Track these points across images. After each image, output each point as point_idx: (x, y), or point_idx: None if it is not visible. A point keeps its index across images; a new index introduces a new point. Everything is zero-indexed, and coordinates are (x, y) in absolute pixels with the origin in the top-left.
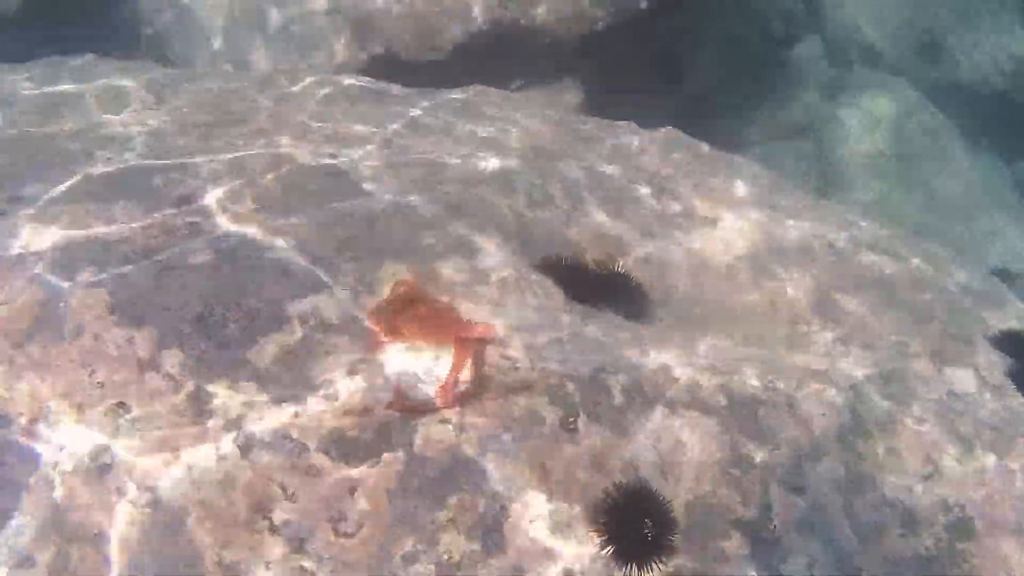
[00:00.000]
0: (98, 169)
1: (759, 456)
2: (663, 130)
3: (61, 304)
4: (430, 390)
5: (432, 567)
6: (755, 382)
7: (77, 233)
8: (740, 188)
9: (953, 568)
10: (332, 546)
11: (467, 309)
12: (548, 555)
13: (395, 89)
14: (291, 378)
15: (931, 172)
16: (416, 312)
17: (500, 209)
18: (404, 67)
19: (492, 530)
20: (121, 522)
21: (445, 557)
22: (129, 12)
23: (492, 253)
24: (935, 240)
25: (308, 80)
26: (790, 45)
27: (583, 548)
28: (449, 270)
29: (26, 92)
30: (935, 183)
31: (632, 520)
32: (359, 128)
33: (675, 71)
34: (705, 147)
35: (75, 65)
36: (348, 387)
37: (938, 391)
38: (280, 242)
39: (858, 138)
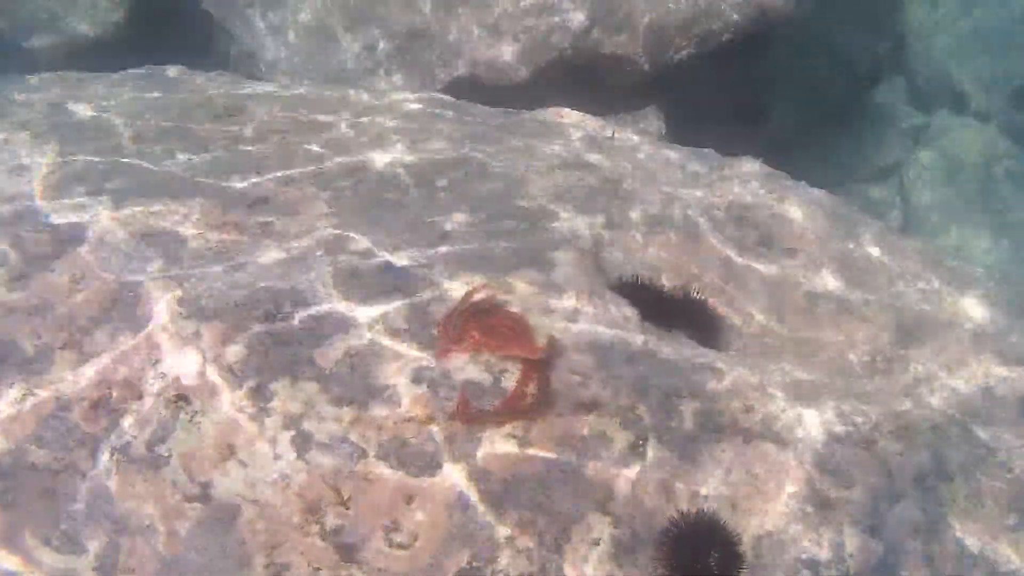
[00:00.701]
0: (177, 169)
1: (834, 494)
2: (744, 159)
3: (131, 294)
4: (496, 402)
5: None
6: (833, 416)
7: (154, 225)
8: (820, 218)
9: None
10: (384, 556)
11: (540, 323)
12: None
13: (478, 108)
14: (354, 381)
15: (1017, 219)
16: (487, 323)
17: (579, 228)
18: (485, 90)
19: (553, 551)
20: (172, 516)
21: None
22: (221, 33)
23: (568, 269)
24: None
25: (394, 97)
26: (875, 86)
27: None
28: (523, 283)
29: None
30: (1021, 231)
31: (698, 551)
32: (438, 144)
33: (756, 111)
34: (786, 177)
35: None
36: (412, 393)
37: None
38: (354, 244)
39: (942, 182)
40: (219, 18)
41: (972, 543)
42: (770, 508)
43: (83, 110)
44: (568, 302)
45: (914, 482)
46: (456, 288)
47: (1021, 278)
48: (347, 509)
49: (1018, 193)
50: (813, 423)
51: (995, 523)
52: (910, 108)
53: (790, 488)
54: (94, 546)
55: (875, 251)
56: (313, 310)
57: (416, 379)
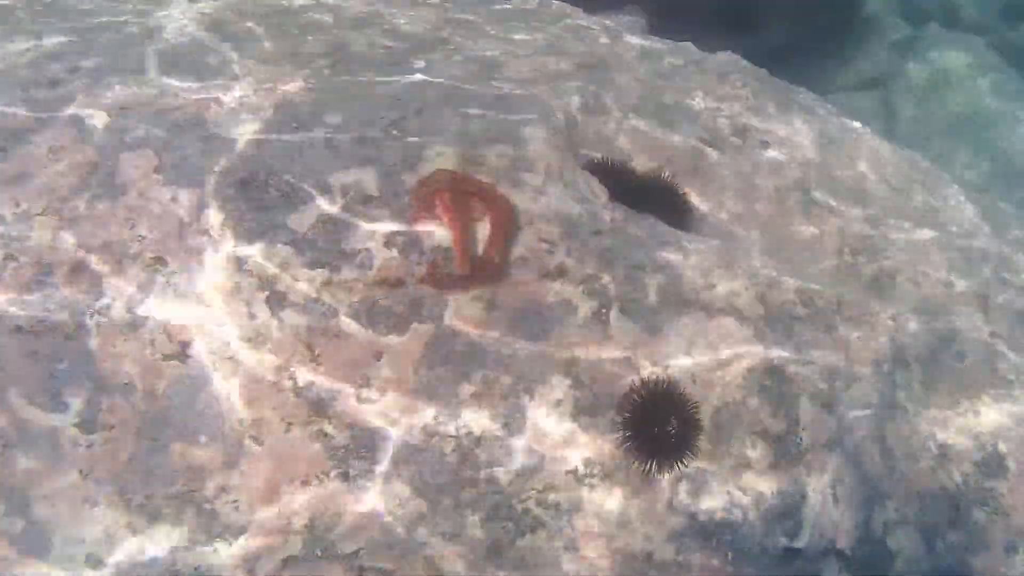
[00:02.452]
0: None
1: (792, 369)
2: (722, 53)
3: (109, 162)
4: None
5: (452, 440)
6: (794, 296)
7: (130, 98)
8: (797, 118)
9: (981, 505)
10: (354, 411)
11: (510, 194)
12: (568, 442)
13: None
14: (327, 245)
15: (1000, 134)
16: (459, 190)
17: (553, 109)
18: None
19: (514, 411)
20: (149, 373)
21: (464, 432)
22: None
23: (539, 146)
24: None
25: None
26: None
27: (604, 438)
28: (494, 156)
29: None
30: (1003, 145)
31: (657, 417)
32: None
33: (748, 17)
34: (764, 72)
35: None
36: (383, 256)
37: (980, 333)
38: (329, 117)
39: (927, 95)
40: None
41: (924, 426)
42: (729, 380)
43: None
44: (538, 177)
45: (872, 364)
46: (429, 157)
47: (995, 194)
48: (318, 365)
49: (1002, 109)
50: (778, 297)
51: (946, 409)
52: (900, 20)
53: (749, 362)
54: (75, 404)
55: (862, 165)
56: (287, 177)
57: (388, 243)
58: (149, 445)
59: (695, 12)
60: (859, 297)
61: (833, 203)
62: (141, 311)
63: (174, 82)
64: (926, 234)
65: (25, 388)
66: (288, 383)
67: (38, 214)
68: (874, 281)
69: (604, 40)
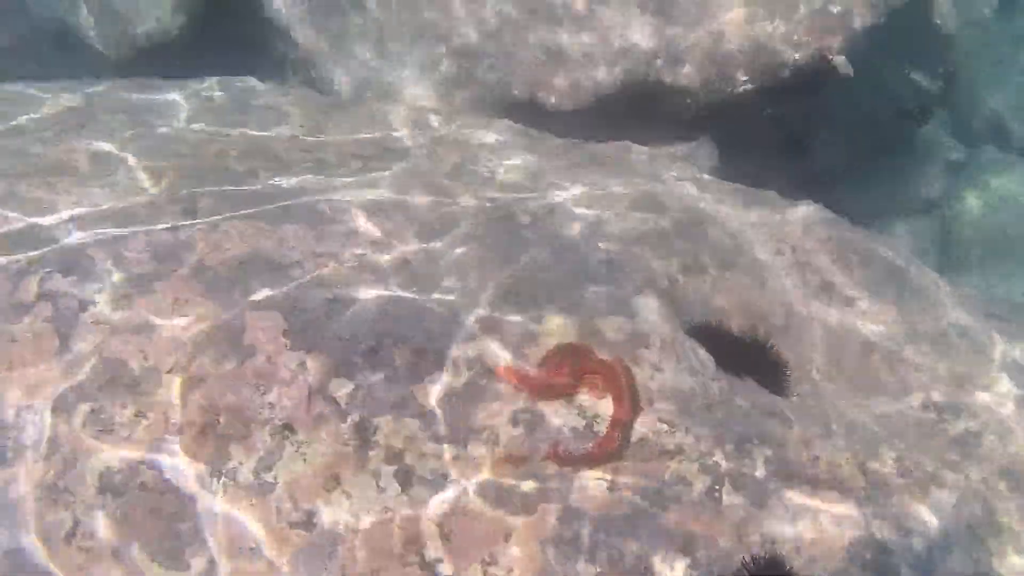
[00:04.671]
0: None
1: (892, 541)
2: (804, 205)
3: (236, 322)
4: (588, 445)
5: None
6: (892, 468)
7: (251, 252)
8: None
9: None
10: None
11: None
12: None
13: (547, 137)
14: (453, 419)
15: None
16: (581, 368)
17: (655, 271)
18: (546, 115)
19: None
20: (275, 539)
21: None
22: (279, 36)
23: (651, 316)
24: None
25: (459, 122)
26: (923, 123)
27: None
28: (611, 331)
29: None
30: None
31: None
32: (517, 177)
33: (804, 145)
34: (847, 224)
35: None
36: (509, 434)
37: None
38: (447, 282)
39: (982, 218)
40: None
41: None
42: (833, 553)
43: None
44: (654, 353)
45: (967, 530)
46: (548, 331)
47: None
48: (447, 541)
49: None
50: (876, 468)
51: None
52: (954, 141)
53: (851, 534)
54: (197, 563)
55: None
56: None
57: (513, 421)
58: None
59: (759, 140)
60: (952, 457)
61: (918, 359)
62: (269, 477)
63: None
64: (1004, 388)
65: (148, 545)
66: (415, 558)
67: (167, 371)
68: (960, 441)
69: (692, 191)
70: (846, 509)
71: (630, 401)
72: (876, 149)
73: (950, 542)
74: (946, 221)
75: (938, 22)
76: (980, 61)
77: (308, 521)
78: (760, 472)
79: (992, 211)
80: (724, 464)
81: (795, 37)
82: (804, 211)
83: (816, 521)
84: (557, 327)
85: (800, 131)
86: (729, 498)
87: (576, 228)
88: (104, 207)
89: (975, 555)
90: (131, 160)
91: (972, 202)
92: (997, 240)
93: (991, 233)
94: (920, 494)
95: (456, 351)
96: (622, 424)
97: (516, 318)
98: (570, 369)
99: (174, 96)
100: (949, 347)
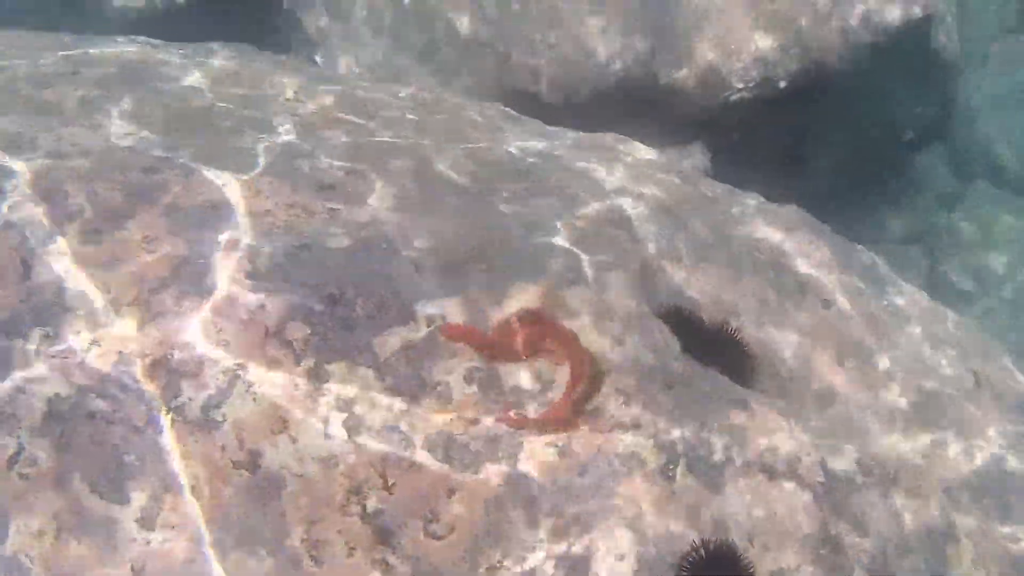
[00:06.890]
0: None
1: (848, 539)
2: (787, 207)
3: (201, 261)
4: (542, 409)
5: None
6: (854, 466)
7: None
8: (860, 278)
9: None
10: (419, 545)
11: (590, 341)
12: None
13: (536, 123)
14: (409, 373)
15: None
16: (539, 333)
17: (628, 253)
18: (542, 107)
19: (579, 563)
20: (217, 478)
21: None
22: (287, 15)
23: (619, 292)
24: None
25: (452, 101)
26: (917, 151)
27: None
28: (576, 300)
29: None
30: None
31: None
32: (499, 148)
33: (798, 164)
34: (827, 229)
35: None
36: (463, 391)
37: None
38: (418, 241)
39: (972, 252)
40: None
41: None
42: (787, 545)
43: None
44: (617, 325)
45: (926, 537)
46: (512, 296)
47: None
48: (390, 494)
49: None
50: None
51: None
52: (947, 172)
53: (807, 529)
54: (138, 498)
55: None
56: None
57: (468, 378)
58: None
59: (755, 152)
60: (915, 463)
61: (891, 367)
62: (216, 415)
63: None
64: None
65: (89, 476)
66: (357, 508)
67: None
68: (932, 447)
69: (677, 182)
70: (803, 502)
71: (588, 370)
72: (867, 172)
73: (907, 545)
74: (934, 253)
75: (938, 49)
76: (979, 94)
77: (252, 462)
78: (718, 456)
79: (979, 244)
80: (680, 444)
81: (792, 50)
82: (786, 212)
83: (771, 511)
84: (523, 293)
85: (793, 144)
86: (683, 479)
87: (554, 202)
88: (84, 144)
89: (929, 558)
90: (122, 106)
91: (962, 235)
92: (983, 274)
93: (977, 266)
94: (879, 494)
95: (419, 307)
96: (578, 393)
97: (482, 279)
98: (526, 334)
99: (174, 57)
100: (923, 362)
